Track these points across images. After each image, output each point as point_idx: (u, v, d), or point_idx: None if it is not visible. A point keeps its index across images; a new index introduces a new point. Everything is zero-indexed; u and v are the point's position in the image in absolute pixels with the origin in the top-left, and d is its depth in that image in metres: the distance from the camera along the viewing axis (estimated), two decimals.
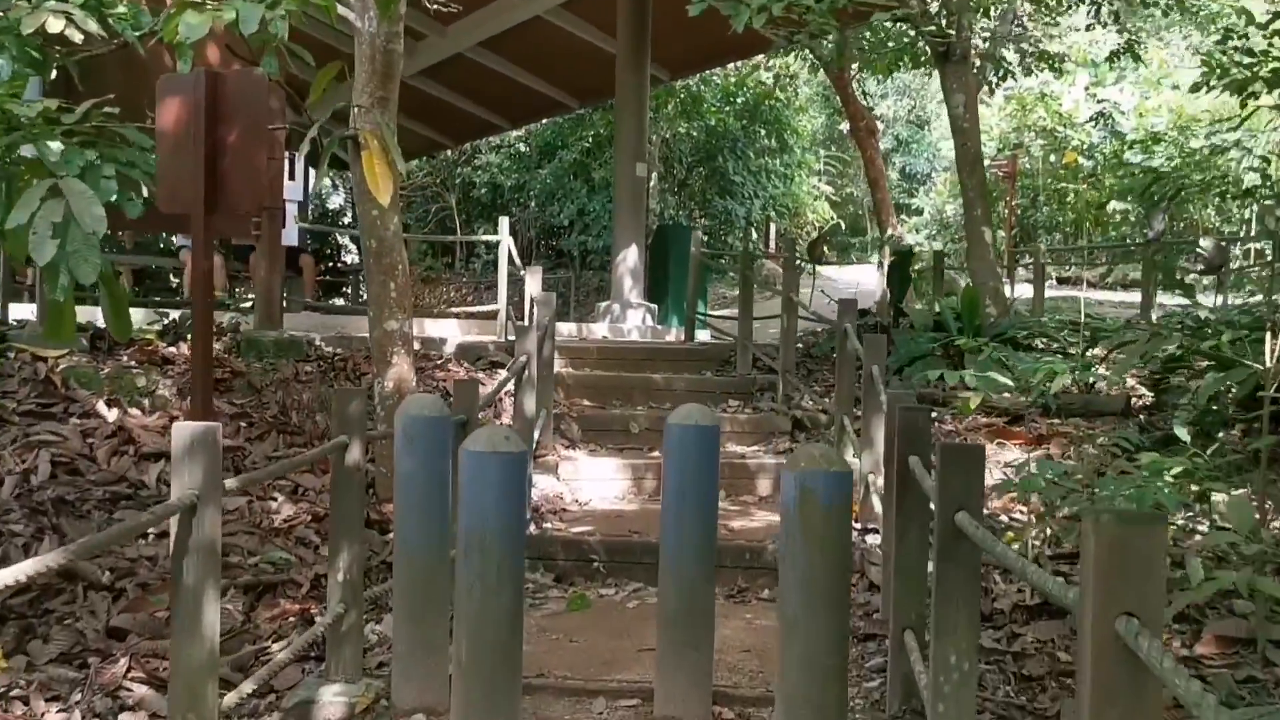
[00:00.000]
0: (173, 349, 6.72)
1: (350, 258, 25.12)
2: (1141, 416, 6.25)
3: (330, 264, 23.52)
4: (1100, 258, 20.89)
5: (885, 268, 9.93)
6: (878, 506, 4.98)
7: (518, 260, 8.37)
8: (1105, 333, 7.21)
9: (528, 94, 15.11)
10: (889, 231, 14.53)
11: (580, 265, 20.61)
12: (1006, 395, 7.23)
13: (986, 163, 24.57)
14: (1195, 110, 19.16)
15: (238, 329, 7.10)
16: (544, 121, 21.62)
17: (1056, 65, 10.34)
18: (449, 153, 22.52)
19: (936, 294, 10.23)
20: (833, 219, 25.67)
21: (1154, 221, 13.92)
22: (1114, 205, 17.69)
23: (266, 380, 6.62)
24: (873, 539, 5.05)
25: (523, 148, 22.01)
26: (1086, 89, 21.49)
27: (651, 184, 17.03)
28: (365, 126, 4.99)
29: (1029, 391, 7.51)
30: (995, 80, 9.48)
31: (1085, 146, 21.31)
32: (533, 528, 5.15)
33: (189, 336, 6.92)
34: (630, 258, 11.08)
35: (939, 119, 33.17)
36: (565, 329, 10.51)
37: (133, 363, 6.34)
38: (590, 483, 6.04)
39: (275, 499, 5.20)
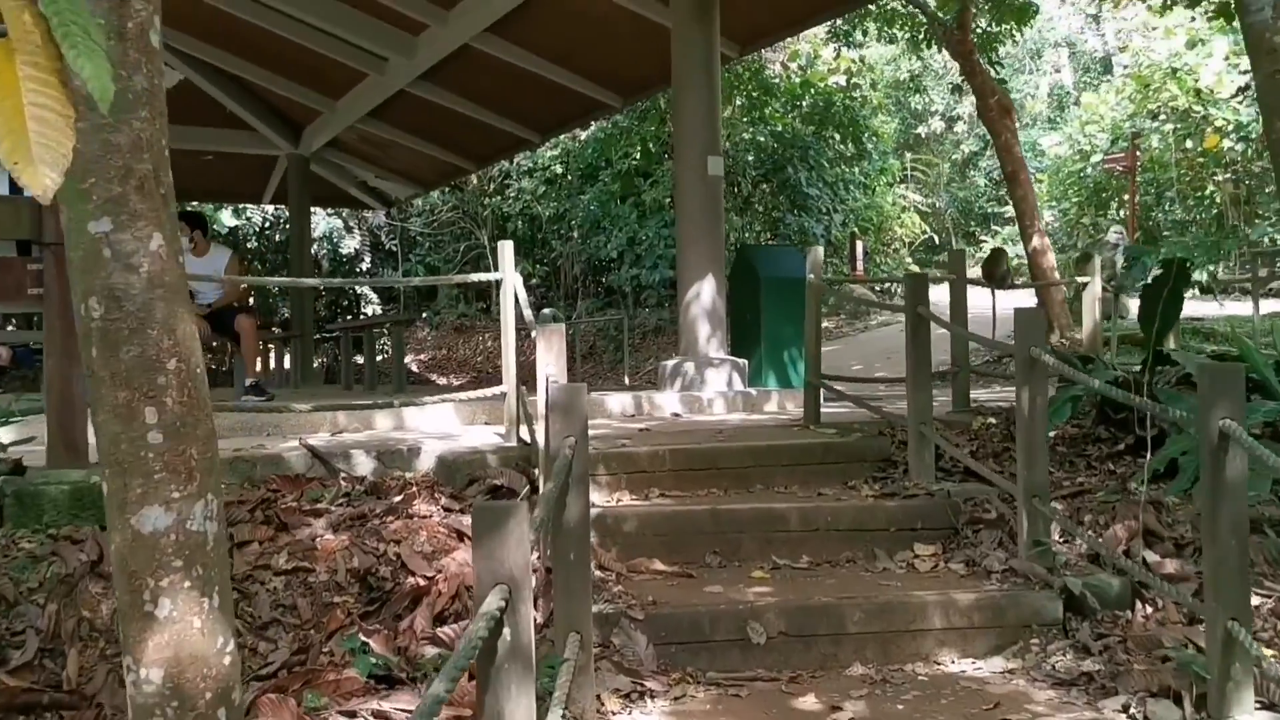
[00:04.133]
0: None
1: (372, 308, 21.86)
2: None
3: (352, 315, 20.35)
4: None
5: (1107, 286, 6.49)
6: None
7: (528, 314, 5.11)
8: None
9: (557, 95, 11.87)
10: (1033, 240, 11.06)
11: (634, 303, 17.30)
12: None
13: (1098, 158, 21.10)
14: None
15: (19, 468, 3.89)
16: (581, 137, 18.45)
17: None
18: (475, 180, 19.42)
19: (1170, 326, 6.77)
20: (925, 232, 22.19)
21: None
22: None
23: (35, 578, 3.42)
24: None
25: (559, 170, 18.82)
26: (1227, 59, 17.86)
27: None
28: None
29: None
30: None
31: (1231, 126, 17.70)
32: None
33: None
34: (705, 294, 7.77)
35: (1025, 109, 29.54)
36: (617, 405, 7.22)
37: None
38: None
39: None
